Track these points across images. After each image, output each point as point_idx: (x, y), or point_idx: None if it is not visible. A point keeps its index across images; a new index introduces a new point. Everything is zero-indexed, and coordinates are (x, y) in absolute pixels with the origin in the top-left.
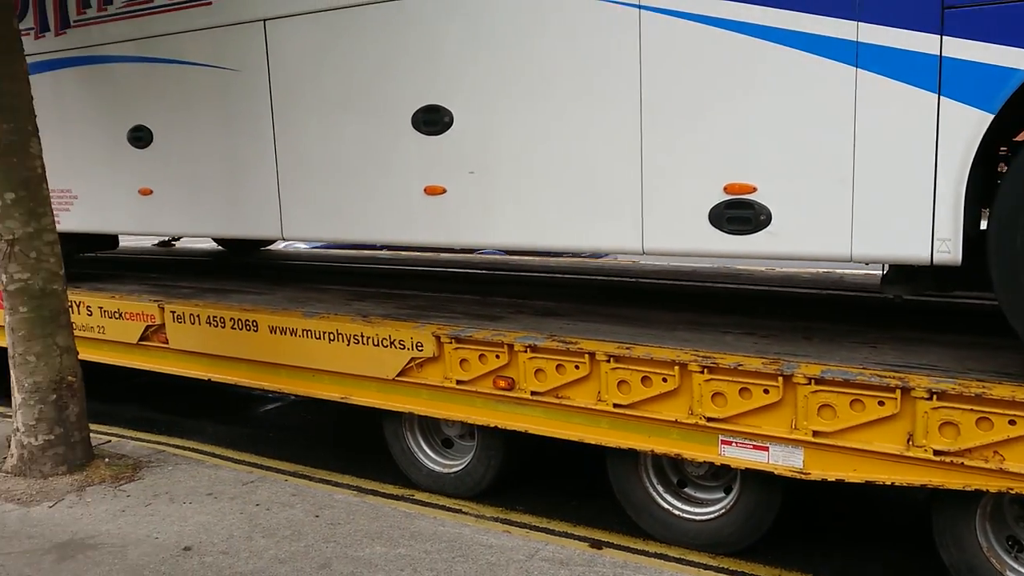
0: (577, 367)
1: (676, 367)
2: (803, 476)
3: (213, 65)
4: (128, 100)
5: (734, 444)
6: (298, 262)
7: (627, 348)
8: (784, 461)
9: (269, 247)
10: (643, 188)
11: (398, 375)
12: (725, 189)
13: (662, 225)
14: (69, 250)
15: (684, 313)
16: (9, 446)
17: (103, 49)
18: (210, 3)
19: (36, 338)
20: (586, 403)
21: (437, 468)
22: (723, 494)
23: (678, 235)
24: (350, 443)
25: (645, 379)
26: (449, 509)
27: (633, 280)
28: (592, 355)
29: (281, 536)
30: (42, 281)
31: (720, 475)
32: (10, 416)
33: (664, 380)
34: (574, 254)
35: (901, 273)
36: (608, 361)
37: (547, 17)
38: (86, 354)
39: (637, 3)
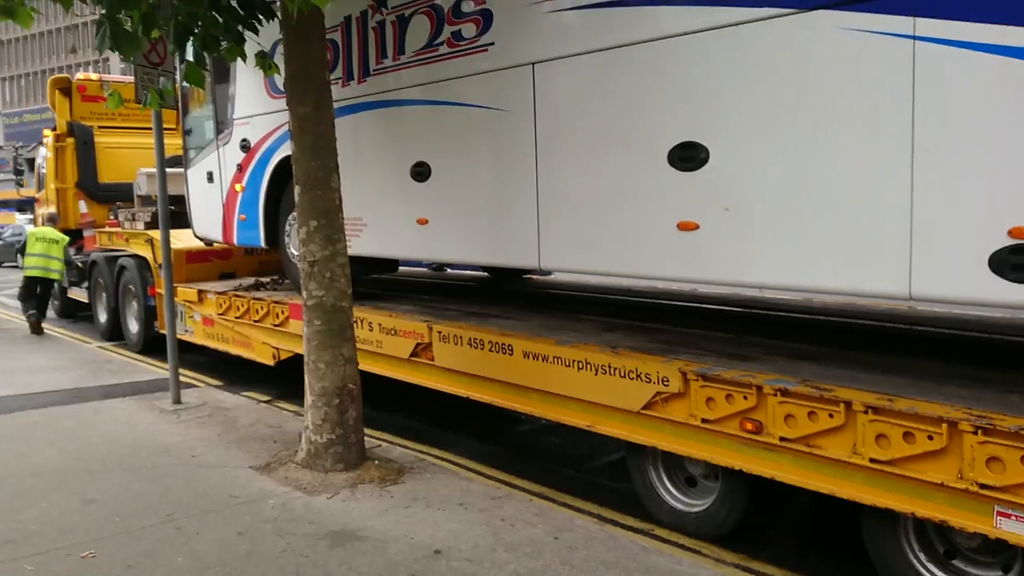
0: (831, 416)
1: (944, 425)
2: None
3: (486, 106)
4: (412, 139)
5: (1013, 518)
6: (555, 291)
7: (888, 400)
8: None
9: (530, 274)
10: (912, 230)
11: (643, 408)
12: (1010, 233)
13: (934, 270)
14: (357, 271)
15: (960, 366)
16: (300, 441)
17: (394, 94)
18: (486, 49)
19: (326, 348)
20: (839, 455)
21: (679, 506)
22: (1001, 572)
23: (952, 281)
24: (593, 470)
25: (908, 435)
26: (687, 549)
27: (904, 327)
28: (848, 404)
29: (522, 552)
30: (334, 299)
31: (997, 550)
32: (302, 414)
33: (930, 438)
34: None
35: None
36: (866, 412)
37: (808, 51)
38: (364, 365)
39: (911, 34)
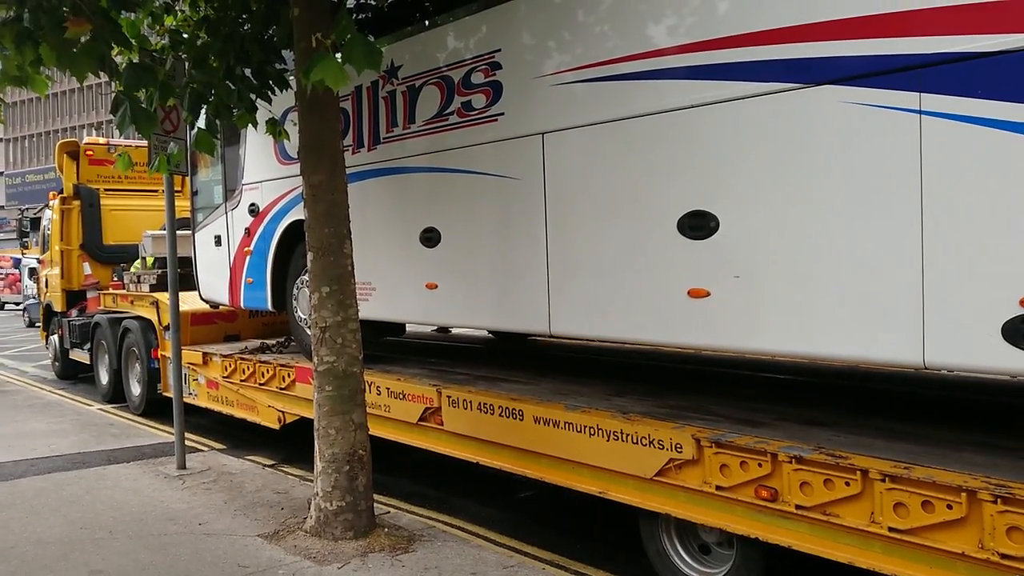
0: (847, 484)
1: (963, 493)
2: None
3: (496, 174)
4: (422, 205)
5: None
6: (561, 352)
7: (905, 468)
8: None
9: (535, 337)
10: (924, 299)
11: (656, 475)
12: (1022, 302)
13: (946, 339)
14: (366, 335)
15: (973, 432)
16: (309, 508)
17: (403, 161)
18: (496, 120)
19: (337, 414)
20: (857, 523)
21: (693, 574)
22: None
23: (965, 350)
24: (605, 537)
25: (926, 503)
26: None
27: (912, 390)
28: (864, 472)
29: None
30: (344, 364)
31: None
32: (308, 479)
33: (949, 507)
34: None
35: None
36: (883, 480)
37: (817, 123)
38: (373, 430)
39: (917, 108)
